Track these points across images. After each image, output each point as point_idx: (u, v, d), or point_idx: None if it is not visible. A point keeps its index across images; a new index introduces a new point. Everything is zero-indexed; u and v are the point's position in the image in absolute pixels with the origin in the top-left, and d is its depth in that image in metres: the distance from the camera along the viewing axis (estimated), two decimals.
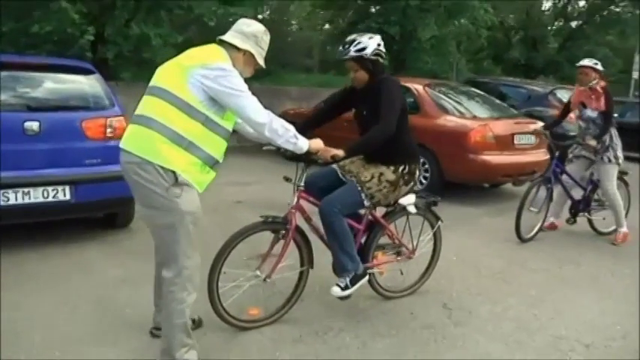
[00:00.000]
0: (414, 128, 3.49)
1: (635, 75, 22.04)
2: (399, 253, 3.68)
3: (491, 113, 7.29)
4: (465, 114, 7.03)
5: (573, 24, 24.68)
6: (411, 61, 15.30)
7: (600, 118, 5.16)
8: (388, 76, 3.28)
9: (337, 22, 17.71)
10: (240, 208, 5.87)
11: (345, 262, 3.24)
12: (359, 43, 3.17)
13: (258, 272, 3.12)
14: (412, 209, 3.52)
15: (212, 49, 2.72)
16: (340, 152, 3.02)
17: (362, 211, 3.43)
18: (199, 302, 2.93)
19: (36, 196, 4.03)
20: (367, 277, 3.39)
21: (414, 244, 3.69)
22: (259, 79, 12.28)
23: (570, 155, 5.55)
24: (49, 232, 4.57)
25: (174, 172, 2.55)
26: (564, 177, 5.41)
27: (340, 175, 3.41)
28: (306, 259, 3.32)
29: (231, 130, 2.76)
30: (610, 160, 5.21)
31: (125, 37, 10.08)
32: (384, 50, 3.24)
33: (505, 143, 6.71)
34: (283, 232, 3.13)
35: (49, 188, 4.07)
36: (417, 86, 7.28)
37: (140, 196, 2.65)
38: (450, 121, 6.87)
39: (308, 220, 3.33)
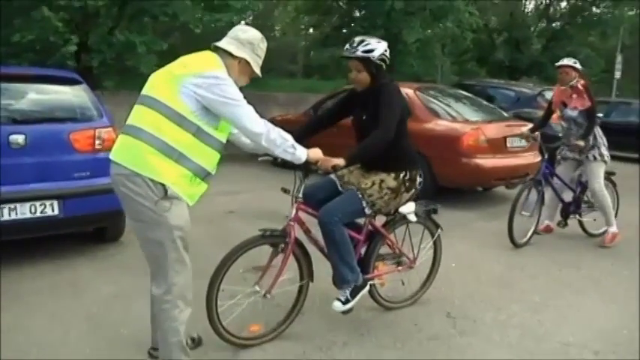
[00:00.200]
0: None
1: (617, 75, 22.35)
2: (399, 263, 3.60)
3: (482, 116, 7.26)
4: (457, 117, 6.98)
5: (556, 25, 24.95)
6: (397, 65, 15.31)
7: (581, 117, 5.14)
8: (390, 81, 3.19)
9: (322, 27, 17.70)
10: (233, 218, 5.76)
11: (344, 273, 3.14)
12: (368, 44, 3.09)
13: (257, 287, 3.02)
14: (413, 217, 3.45)
15: (206, 56, 2.62)
16: (341, 161, 2.91)
17: (361, 221, 3.34)
18: (198, 319, 2.83)
19: (23, 212, 3.89)
20: (367, 288, 3.30)
21: (415, 253, 3.62)
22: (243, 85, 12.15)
23: (558, 157, 5.53)
24: (38, 248, 4.42)
25: (163, 185, 2.45)
26: (554, 179, 5.39)
27: (340, 187, 3.32)
28: (306, 272, 3.22)
29: (224, 141, 2.67)
30: (596, 158, 5.19)
31: (109, 45, 9.90)
32: (388, 57, 3.16)
33: (497, 146, 6.67)
34: (282, 245, 3.04)
35: (37, 203, 3.93)
36: (407, 90, 7.18)
37: (129, 209, 2.56)
38: (441, 125, 6.81)
39: (307, 232, 3.23)
